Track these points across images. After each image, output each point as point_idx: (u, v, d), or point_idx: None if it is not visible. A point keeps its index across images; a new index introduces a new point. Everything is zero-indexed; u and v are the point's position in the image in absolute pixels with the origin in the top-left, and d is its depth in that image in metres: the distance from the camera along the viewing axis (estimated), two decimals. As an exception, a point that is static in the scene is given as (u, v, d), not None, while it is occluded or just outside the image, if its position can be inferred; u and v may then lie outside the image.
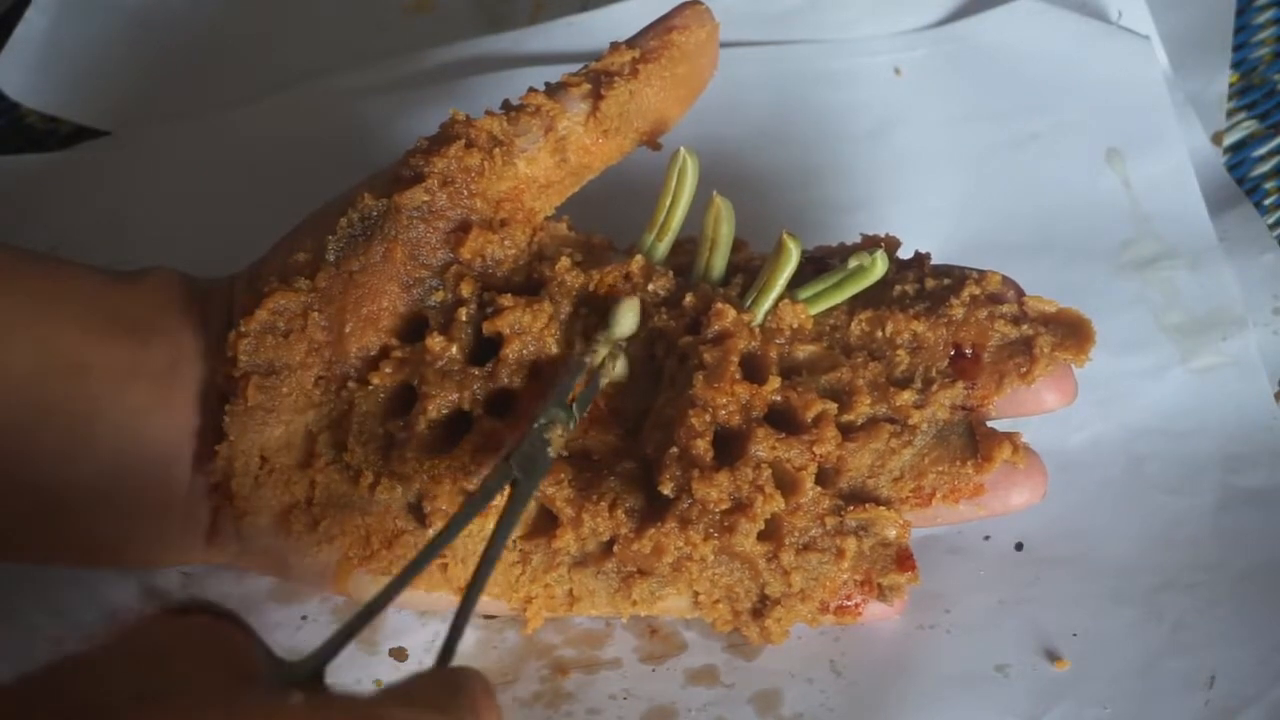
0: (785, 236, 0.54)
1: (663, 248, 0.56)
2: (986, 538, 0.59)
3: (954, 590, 0.57)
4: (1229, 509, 0.59)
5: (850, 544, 0.53)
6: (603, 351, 0.53)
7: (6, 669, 0.56)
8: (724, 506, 0.51)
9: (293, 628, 0.57)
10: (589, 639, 0.57)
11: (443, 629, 0.57)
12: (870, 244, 0.56)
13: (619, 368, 0.53)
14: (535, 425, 0.50)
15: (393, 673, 0.56)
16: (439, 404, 0.52)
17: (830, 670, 0.55)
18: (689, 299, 0.54)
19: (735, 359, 0.52)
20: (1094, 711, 0.53)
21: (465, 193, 0.53)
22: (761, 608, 0.54)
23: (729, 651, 0.56)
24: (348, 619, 0.42)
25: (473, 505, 0.48)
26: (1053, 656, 0.55)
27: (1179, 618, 0.56)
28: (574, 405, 0.51)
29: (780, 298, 0.54)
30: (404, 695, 0.39)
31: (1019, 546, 0.58)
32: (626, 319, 0.53)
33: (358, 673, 0.56)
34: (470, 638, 0.57)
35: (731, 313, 0.53)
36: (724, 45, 0.57)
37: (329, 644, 0.41)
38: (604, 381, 0.53)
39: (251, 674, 0.37)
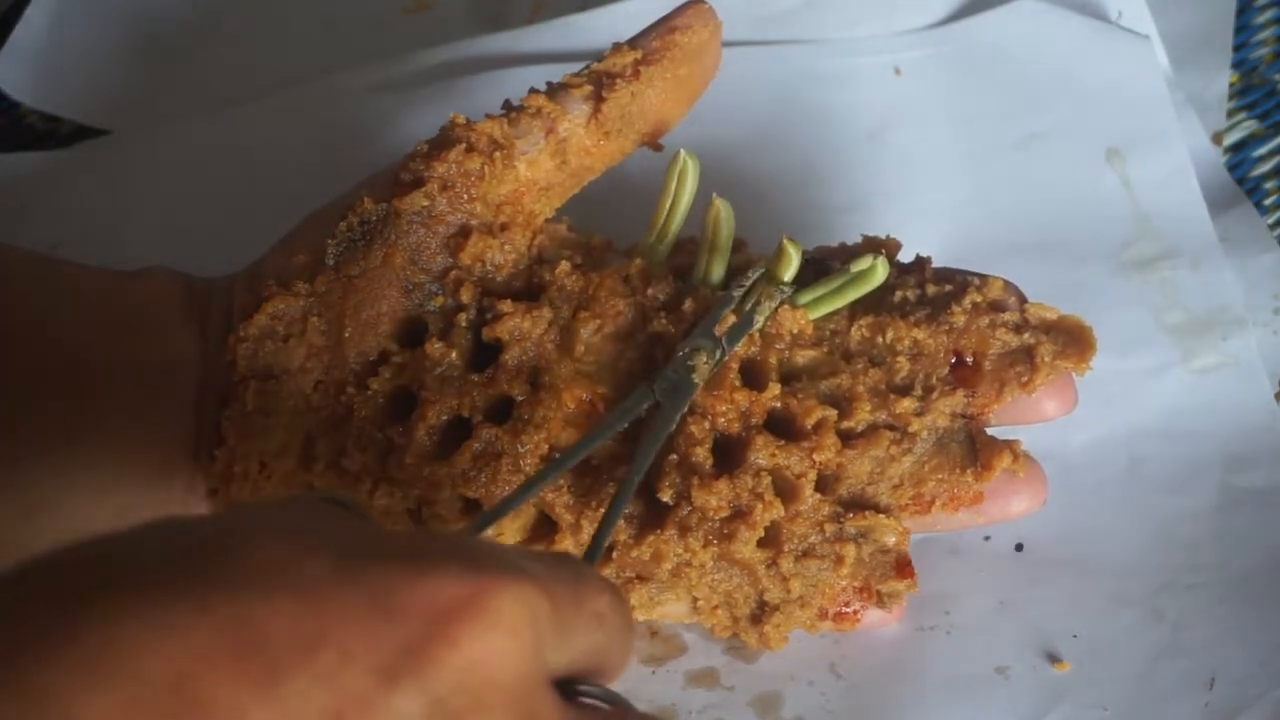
0: (785, 241, 0.54)
1: (662, 250, 0.56)
2: (987, 539, 0.59)
3: (954, 592, 0.57)
4: (1229, 509, 0.59)
5: (849, 551, 0.53)
6: (756, 286, 0.54)
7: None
8: (723, 514, 0.51)
9: (293, 628, 0.57)
10: (589, 640, 0.57)
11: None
12: (871, 247, 0.56)
13: (777, 303, 0.54)
14: (680, 353, 0.51)
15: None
16: (438, 410, 0.52)
17: (830, 672, 0.55)
18: (688, 304, 0.54)
19: (735, 365, 0.52)
20: (1094, 713, 0.53)
21: (465, 197, 0.53)
22: (760, 614, 0.54)
23: (729, 654, 0.56)
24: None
25: (608, 425, 0.50)
26: (1053, 658, 0.55)
27: (1179, 619, 0.56)
28: (724, 338, 0.52)
29: (781, 304, 0.54)
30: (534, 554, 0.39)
31: (1019, 548, 0.58)
32: (791, 260, 0.54)
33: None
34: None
35: (731, 318, 0.53)
36: (723, 45, 0.57)
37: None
38: (760, 319, 0.53)
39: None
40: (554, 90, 0.55)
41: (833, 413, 0.53)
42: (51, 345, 0.51)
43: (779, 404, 0.52)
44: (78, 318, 0.52)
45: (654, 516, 0.51)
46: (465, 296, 0.53)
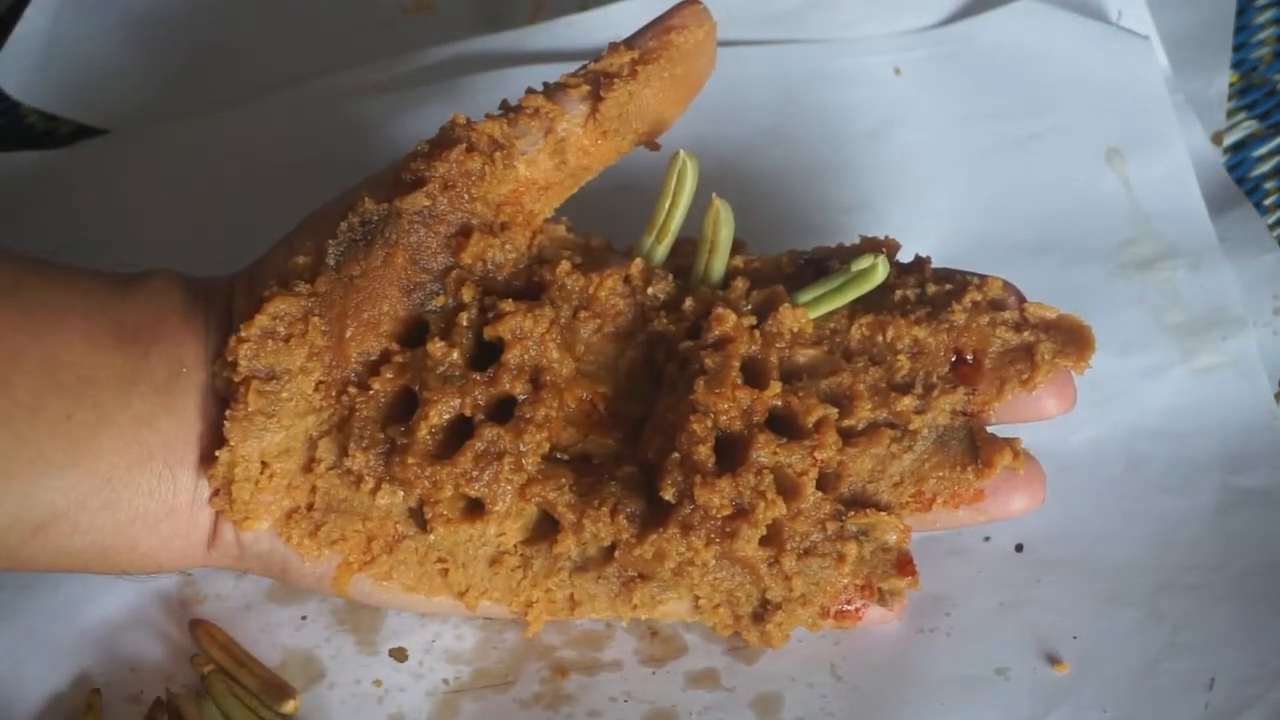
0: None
1: (662, 250, 0.56)
2: (987, 539, 0.59)
3: (954, 592, 0.57)
4: (1229, 509, 0.59)
5: (851, 549, 0.53)
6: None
7: (7, 670, 0.56)
8: (726, 512, 0.51)
9: (292, 628, 0.57)
10: (589, 640, 0.57)
11: (443, 629, 0.57)
12: (870, 247, 0.56)
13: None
14: None
15: (392, 673, 0.56)
16: (440, 409, 0.52)
17: (830, 674, 0.55)
18: (689, 303, 0.54)
19: (736, 364, 0.52)
20: (1094, 714, 0.53)
21: (466, 197, 0.53)
22: (762, 612, 0.54)
23: (730, 654, 0.56)
24: None
25: None
26: (1053, 659, 0.55)
27: (1179, 619, 0.56)
28: None
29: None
30: None
31: (1019, 548, 0.58)
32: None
33: (358, 673, 0.56)
34: (471, 638, 0.57)
35: (732, 317, 0.53)
36: (723, 45, 0.57)
37: None
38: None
39: None
40: (551, 90, 0.55)
41: (834, 411, 0.53)
42: (59, 360, 0.51)
43: (780, 402, 0.52)
44: (83, 330, 0.52)
45: (656, 515, 0.51)
46: (466, 296, 0.53)
